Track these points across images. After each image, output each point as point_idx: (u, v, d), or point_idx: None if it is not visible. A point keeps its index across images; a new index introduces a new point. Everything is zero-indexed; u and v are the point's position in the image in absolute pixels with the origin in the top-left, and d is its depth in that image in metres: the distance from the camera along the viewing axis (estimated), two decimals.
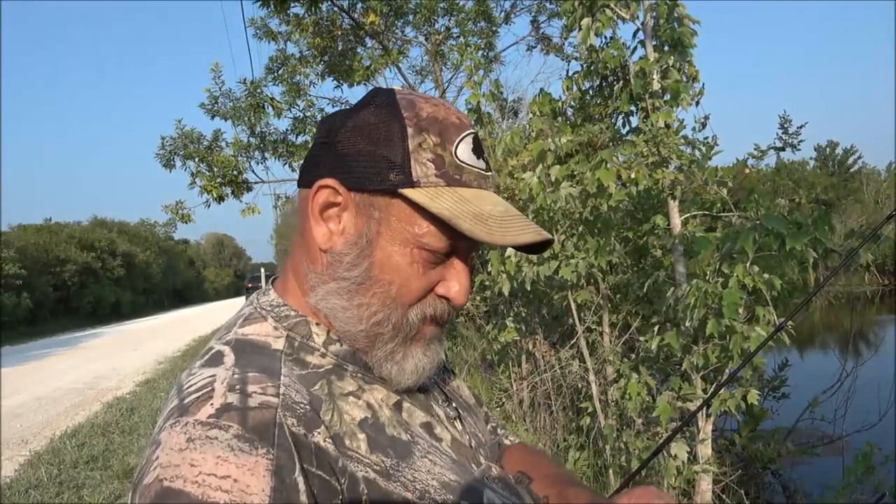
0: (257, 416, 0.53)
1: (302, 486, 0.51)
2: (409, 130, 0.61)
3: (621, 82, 2.94)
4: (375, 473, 0.57)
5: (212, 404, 0.53)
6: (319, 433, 0.56)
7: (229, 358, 0.59)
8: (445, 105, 0.65)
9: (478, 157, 0.64)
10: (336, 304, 0.63)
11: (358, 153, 0.62)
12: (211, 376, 0.57)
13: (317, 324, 0.65)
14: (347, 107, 0.68)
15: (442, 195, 0.60)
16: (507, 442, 0.88)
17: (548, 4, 8.37)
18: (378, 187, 0.61)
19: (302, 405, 0.57)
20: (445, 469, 0.63)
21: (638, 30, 2.76)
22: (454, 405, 0.75)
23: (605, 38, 2.80)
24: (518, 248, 0.67)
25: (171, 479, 0.48)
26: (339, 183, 0.62)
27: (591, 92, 3.23)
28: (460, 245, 0.64)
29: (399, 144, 0.61)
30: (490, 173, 0.66)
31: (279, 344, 0.63)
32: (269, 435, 0.52)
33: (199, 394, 0.54)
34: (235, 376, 0.56)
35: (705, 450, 2.61)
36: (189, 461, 0.49)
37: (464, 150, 0.62)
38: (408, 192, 0.60)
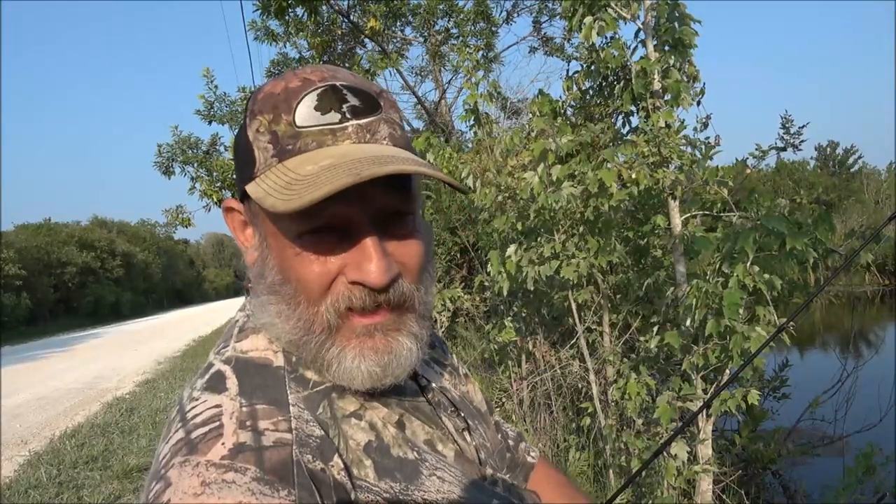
0: (274, 456, 0.51)
1: None
2: (248, 120, 0.58)
3: (622, 82, 2.94)
4: (385, 502, 0.56)
5: (223, 444, 0.51)
6: (333, 466, 0.54)
7: (232, 382, 0.57)
8: (296, 73, 0.59)
9: (327, 111, 0.56)
10: (266, 321, 0.61)
11: (236, 165, 0.62)
12: (216, 407, 0.55)
13: None
14: None
15: (268, 177, 0.55)
16: (530, 459, 0.85)
17: (549, 4, 8.38)
18: (240, 193, 0.60)
19: (314, 438, 0.55)
20: (454, 486, 0.61)
21: (639, 29, 2.76)
22: (463, 415, 0.73)
23: (607, 37, 2.80)
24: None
25: None
26: (235, 200, 0.63)
27: (591, 92, 3.23)
28: (345, 216, 0.55)
29: (244, 140, 0.58)
30: (353, 122, 0.56)
31: (279, 359, 0.61)
32: (288, 475, 0.50)
33: (207, 429, 0.52)
34: (244, 409, 0.54)
35: (705, 450, 2.61)
36: None
37: (304, 111, 0.55)
38: (248, 187, 0.57)
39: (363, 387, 0.59)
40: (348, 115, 0.56)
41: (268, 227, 0.58)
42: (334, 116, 0.56)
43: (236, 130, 0.63)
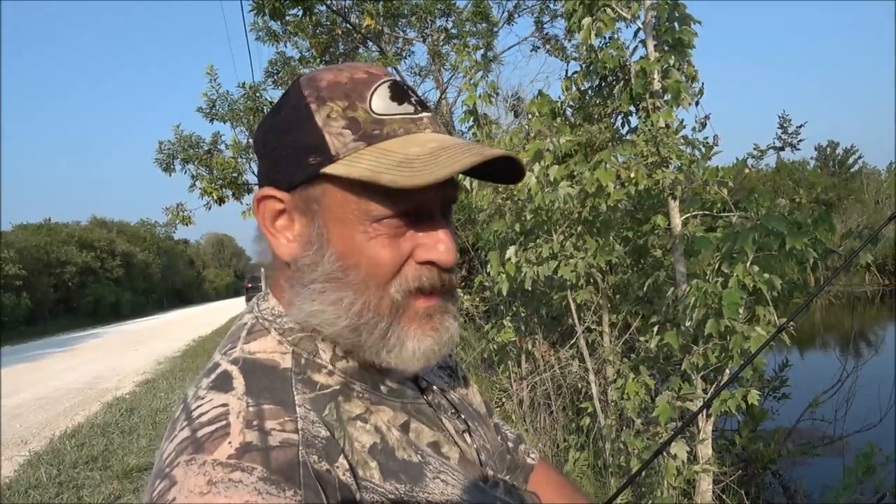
0: (280, 456, 0.51)
1: None
2: (313, 106, 0.58)
3: (621, 82, 2.94)
4: (390, 503, 0.56)
5: (230, 443, 0.51)
6: (339, 466, 0.55)
7: (238, 382, 0.57)
8: (353, 66, 0.62)
9: (401, 102, 0.59)
10: (315, 309, 0.60)
11: (279, 152, 0.61)
12: (223, 405, 0.55)
13: (322, 339, 0.62)
14: None
15: (362, 158, 0.56)
16: (530, 461, 0.86)
17: (551, 5, 8.38)
18: (303, 178, 0.59)
19: (320, 439, 0.55)
20: (457, 489, 0.62)
21: (639, 29, 2.76)
22: (463, 417, 0.73)
23: (605, 38, 2.80)
24: (487, 178, 0.63)
25: None
26: (274, 189, 0.61)
27: (590, 92, 3.23)
28: (425, 201, 0.58)
29: (308, 125, 0.58)
30: (425, 114, 0.60)
31: (287, 362, 0.61)
32: (294, 475, 0.51)
33: (214, 428, 0.52)
34: (251, 409, 0.54)
35: (705, 450, 2.61)
36: None
37: (380, 101, 0.58)
38: (328, 169, 0.57)
39: (416, 366, 0.61)
40: (419, 108, 0.60)
41: (330, 213, 0.59)
42: (409, 108, 0.59)
43: (272, 117, 0.62)
